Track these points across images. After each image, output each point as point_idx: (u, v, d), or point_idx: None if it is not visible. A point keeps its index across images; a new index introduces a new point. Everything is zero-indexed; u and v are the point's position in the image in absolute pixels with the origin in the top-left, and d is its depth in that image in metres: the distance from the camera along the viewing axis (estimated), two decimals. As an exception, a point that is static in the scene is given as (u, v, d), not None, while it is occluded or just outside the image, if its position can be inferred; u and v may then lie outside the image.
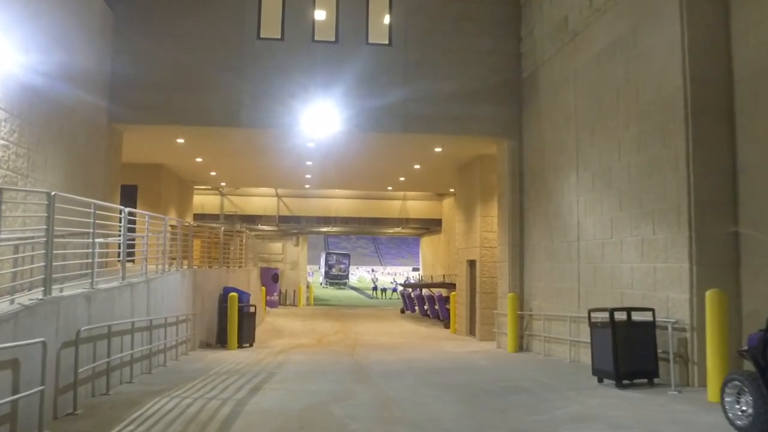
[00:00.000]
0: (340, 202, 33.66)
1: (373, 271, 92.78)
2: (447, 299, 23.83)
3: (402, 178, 24.14)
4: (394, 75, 16.21)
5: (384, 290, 53.39)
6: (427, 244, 38.60)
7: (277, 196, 33.20)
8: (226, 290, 17.18)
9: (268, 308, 31.69)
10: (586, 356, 12.82)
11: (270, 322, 25.27)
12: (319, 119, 15.89)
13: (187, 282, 15.26)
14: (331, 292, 59.58)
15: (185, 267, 16.04)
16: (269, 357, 14.67)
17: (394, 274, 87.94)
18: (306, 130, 16.37)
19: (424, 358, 14.69)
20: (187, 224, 16.79)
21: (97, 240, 9.55)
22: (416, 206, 34.12)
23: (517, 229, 16.37)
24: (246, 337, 16.85)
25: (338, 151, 18.93)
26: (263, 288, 27.81)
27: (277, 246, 38.57)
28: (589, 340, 12.35)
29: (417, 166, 21.30)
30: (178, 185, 24.39)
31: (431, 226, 34.50)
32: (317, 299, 44.82)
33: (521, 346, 15.81)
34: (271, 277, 34.86)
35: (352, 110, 15.88)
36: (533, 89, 15.97)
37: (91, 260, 9.36)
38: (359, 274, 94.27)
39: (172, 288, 13.85)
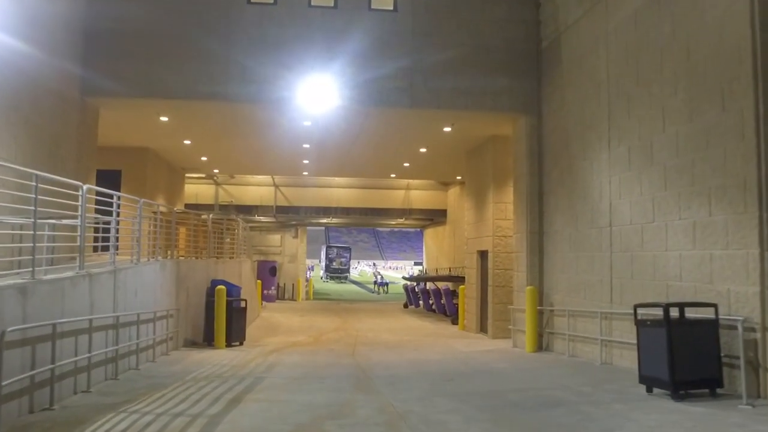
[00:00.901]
0: (341, 192, 31.89)
1: (374, 265, 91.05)
2: (454, 293, 22.10)
3: (406, 164, 22.36)
4: (400, 45, 14.44)
5: (385, 284, 51.55)
6: (431, 236, 36.84)
7: (275, 185, 31.43)
8: (214, 283, 15.44)
9: (265, 303, 29.97)
10: (620, 358, 11.10)
11: (266, 317, 23.54)
12: (317, 93, 14.14)
13: (168, 274, 13.53)
14: (332, 286, 57.83)
15: (167, 257, 14.32)
16: (259, 358, 12.93)
17: (396, 268, 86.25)
18: (302, 106, 14.62)
19: (434, 360, 12.95)
20: (168, 210, 15.02)
21: (43, 221, 7.82)
22: (420, 196, 32.34)
23: (535, 215, 14.61)
24: (235, 335, 15.12)
25: (338, 132, 17.16)
26: (259, 282, 26.07)
27: (275, 238, 36.82)
28: (624, 340, 10.75)
29: (423, 150, 19.53)
30: (168, 172, 22.62)
31: (436, 217, 32.71)
32: (317, 293, 43.10)
33: (541, 345, 14.08)
34: (268, 271, 33.16)
35: (353, 84, 14.12)
36: (554, 59, 14.18)
37: (51, 246, 7.63)
38: (360, 268, 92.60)
39: (149, 280, 12.12)
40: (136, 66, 13.67)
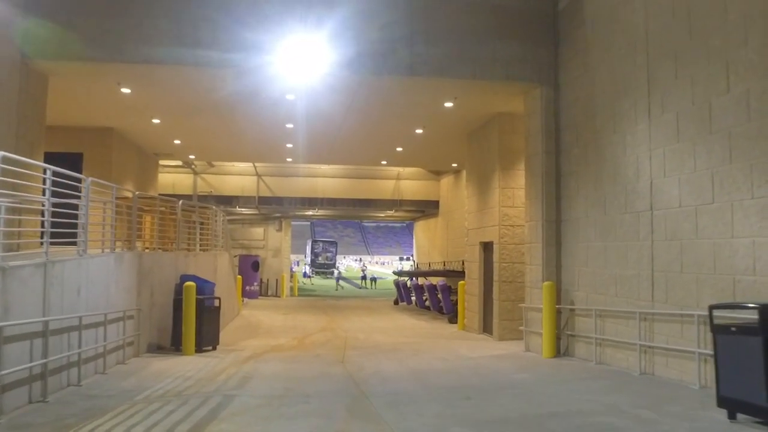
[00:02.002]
0: (327, 182, 29.75)
1: (360, 260, 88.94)
2: (451, 289, 20.08)
3: (399, 149, 20.29)
4: (398, 3, 12.37)
5: (374, 279, 49.40)
6: (422, 228, 34.80)
7: (257, 174, 29.24)
8: (184, 279, 13.30)
9: (246, 300, 27.85)
10: (664, 368, 9.16)
11: (246, 316, 21.41)
12: (301, 59, 12.03)
13: (127, 268, 11.40)
14: (318, 282, 55.71)
15: (128, 249, 12.17)
16: (233, 367, 10.83)
17: (382, 263, 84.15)
18: (284, 75, 12.53)
19: (438, 368, 10.91)
20: (128, 194, 12.85)
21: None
22: (411, 186, 30.29)
23: (552, 200, 12.62)
24: (207, 339, 13.00)
25: (325, 108, 15.03)
26: (239, 277, 23.91)
27: (257, 231, 34.60)
28: (670, 346, 8.75)
29: (419, 131, 17.45)
30: (138, 157, 20.38)
31: (427, 208, 30.68)
32: (302, 289, 41.00)
33: (559, 349, 12.10)
34: (250, 266, 31.02)
35: (343, 48, 12.01)
36: (575, 21, 12.18)
37: None
38: (346, 263, 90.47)
39: (99, 276, 9.98)
40: (89, 22, 11.46)
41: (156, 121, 16.62)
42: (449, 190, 28.40)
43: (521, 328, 13.39)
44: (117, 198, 13.04)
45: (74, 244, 9.60)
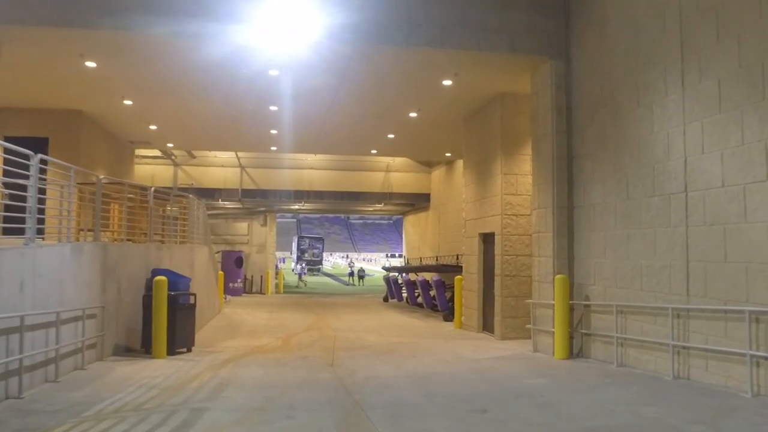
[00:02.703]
0: (314, 174, 28.34)
1: (347, 256, 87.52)
2: (445, 285, 18.78)
3: (391, 135, 18.93)
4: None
5: (362, 276, 47.88)
6: (412, 223, 33.47)
7: (240, 166, 27.78)
8: (155, 273, 11.90)
9: (229, 297, 26.41)
10: (703, 372, 7.93)
11: (228, 314, 19.99)
12: (285, 27, 10.66)
13: (88, 261, 9.99)
14: (304, 278, 54.18)
15: (91, 240, 10.77)
16: (208, 372, 9.45)
17: (369, 260, 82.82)
18: (266, 46, 11.16)
19: (441, 373, 9.59)
20: (92, 179, 11.41)
21: None
22: (401, 178, 28.96)
23: (564, 185, 11.35)
24: (181, 340, 11.60)
25: (312, 86, 13.67)
26: (221, 273, 22.46)
27: (241, 226, 33.12)
28: (712, 347, 7.51)
29: (413, 114, 16.10)
30: (111, 144, 18.88)
31: (418, 201, 29.37)
32: (288, 286, 39.57)
33: (572, 349, 10.83)
34: (234, 261, 29.59)
35: (333, 15, 10.64)
36: (590, -15, 10.93)
37: None
38: (333, 261, 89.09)
39: (49, 269, 8.58)
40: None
41: (128, 102, 15.14)
42: (441, 182, 27.11)
43: (528, 326, 12.11)
44: (80, 183, 11.70)
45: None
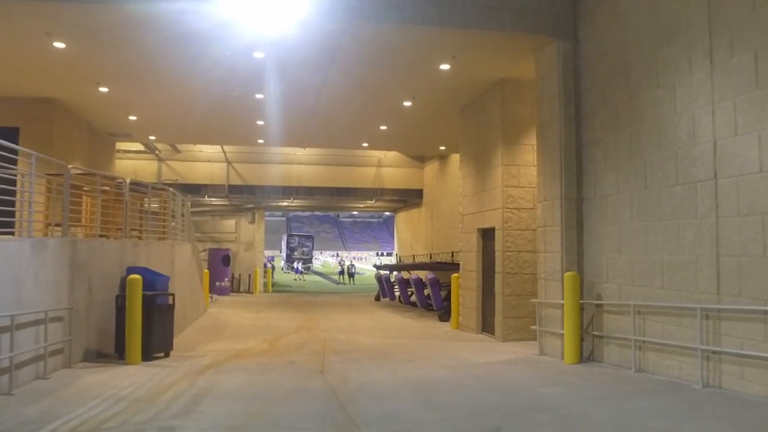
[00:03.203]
0: (303, 169, 27.34)
1: (337, 255, 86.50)
2: (441, 283, 17.86)
3: (384, 127, 17.99)
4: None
5: (352, 274, 46.65)
6: (403, 220, 32.55)
7: (227, 161, 26.74)
8: (130, 272, 10.91)
9: (216, 296, 25.40)
10: (739, 380, 7.07)
11: (213, 314, 19.00)
12: (270, 2, 9.73)
13: (52, 258, 9.00)
14: (293, 278, 53.15)
15: (58, 235, 9.77)
16: (184, 381, 8.49)
17: (359, 258, 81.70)
18: (250, 25, 10.21)
19: (442, 379, 8.68)
20: (59, 168, 10.38)
21: None
22: (393, 174, 28.04)
23: (572, 175, 10.46)
24: (158, 343, 10.63)
25: (300, 71, 12.72)
26: (206, 272, 21.45)
27: (229, 224, 32.05)
28: (749, 352, 6.64)
29: (408, 103, 15.18)
30: (89, 136, 17.83)
31: (410, 197, 28.45)
32: (277, 285, 38.52)
33: (582, 353, 9.94)
34: (221, 260, 28.54)
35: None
36: (601, -41, 10.04)
37: None
38: (323, 259, 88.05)
39: (2, 267, 7.58)
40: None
41: (103, 89, 14.11)
42: (434, 177, 26.22)
43: (533, 327, 11.23)
44: (49, 174, 10.71)
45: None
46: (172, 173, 26.53)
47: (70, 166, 10.39)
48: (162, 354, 10.73)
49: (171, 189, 14.33)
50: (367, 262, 78.69)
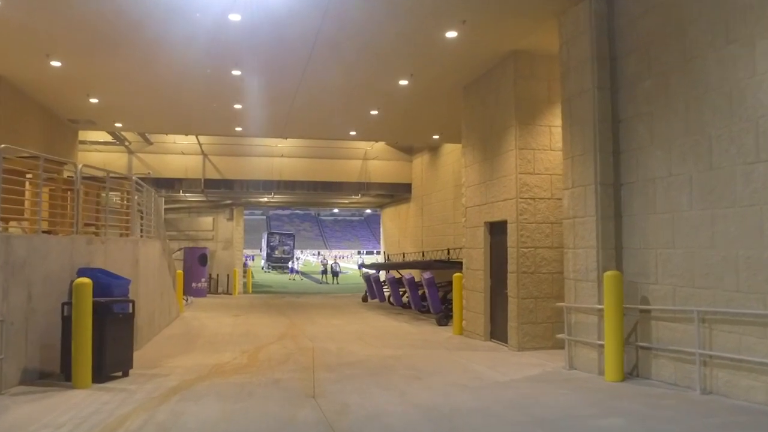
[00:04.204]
0: (284, 162, 25.43)
1: (319, 253, 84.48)
2: (434, 284, 16.10)
3: (375, 112, 16.17)
4: None
5: (336, 273, 44.59)
6: (390, 216, 30.76)
7: (203, 153, 24.73)
8: (82, 274, 9.01)
9: (191, 298, 23.43)
10: None
11: (187, 319, 17.08)
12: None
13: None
14: (274, 277, 51.10)
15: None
16: (140, 413, 6.62)
17: (340, 257, 79.66)
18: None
19: (465, 406, 6.91)
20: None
21: None
22: (380, 167, 26.23)
23: (608, 155, 8.76)
24: (114, 360, 8.73)
25: (282, 40, 10.88)
26: (179, 272, 19.48)
27: (206, 221, 30.05)
28: None
29: (404, 82, 13.38)
30: (45, 121, 15.80)
31: (398, 192, 26.67)
32: (257, 285, 36.55)
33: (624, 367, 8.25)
34: (197, 259, 26.58)
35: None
36: None
37: None
38: (304, 258, 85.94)
39: None
40: None
41: (55, 63, 12.12)
42: (424, 170, 24.48)
43: (560, 336, 9.52)
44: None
45: None
46: (143, 167, 24.43)
47: (2, 145, 8.44)
48: (119, 373, 8.84)
49: (135, 178, 12.35)
50: (348, 261, 76.78)
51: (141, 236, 12.94)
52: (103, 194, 11.13)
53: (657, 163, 8.02)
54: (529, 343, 10.90)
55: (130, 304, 9.22)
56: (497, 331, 12.04)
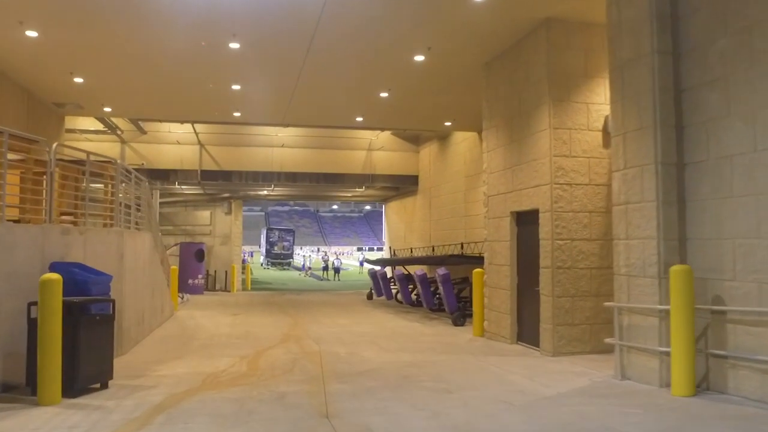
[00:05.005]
0: (285, 153, 24.03)
1: (318, 249, 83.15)
2: (450, 280, 14.76)
3: (384, 94, 14.79)
4: None
5: (337, 270, 43.16)
6: (394, 210, 29.37)
7: (199, 143, 23.33)
8: (56, 269, 7.67)
9: (187, 296, 22.15)
10: None
11: (182, 318, 15.76)
12: None
13: None
14: (273, 274, 49.78)
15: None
16: (113, 442, 5.30)
17: (340, 253, 78.34)
18: None
19: (517, 429, 5.59)
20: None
21: None
22: (385, 158, 24.84)
23: (670, 130, 7.43)
24: (91, 370, 7.40)
25: (286, 6, 9.52)
26: (174, 269, 18.11)
27: (203, 215, 28.67)
28: None
29: (420, 58, 11.99)
30: (26, 104, 14.43)
31: (404, 184, 25.28)
32: (257, 282, 35.25)
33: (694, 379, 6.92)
34: (194, 255, 25.25)
35: None
36: None
37: None
38: (303, 254, 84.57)
39: None
40: None
41: (31, 33, 10.73)
42: (432, 161, 23.12)
43: (608, 340, 8.19)
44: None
45: None
46: (137, 157, 23.04)
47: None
48: (97, 385, 7.50)
49: (118, 161, 10.94)
50: (348, 258, 75.40)
51: (129, 228, 11.58)
52: (83, 179, 9.76)
53: (736, 138, 6.68)
54: (565, 348, 9.58)
55: (111, 304, 7.86)
56: (525, 333, 10.72)
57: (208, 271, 27.07)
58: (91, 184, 11.30)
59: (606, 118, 9.95)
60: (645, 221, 7.52)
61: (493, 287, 11.73)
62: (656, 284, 7.28)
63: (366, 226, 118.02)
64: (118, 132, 22.10)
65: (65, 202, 9.63)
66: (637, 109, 7.69)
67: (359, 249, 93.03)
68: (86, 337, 7.29)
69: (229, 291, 26.98)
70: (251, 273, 32.87)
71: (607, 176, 9.89)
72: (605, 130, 9.99)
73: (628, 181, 7.86)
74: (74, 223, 9.56)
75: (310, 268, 49.83)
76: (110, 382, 7.63)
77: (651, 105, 7.46)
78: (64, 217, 9.41)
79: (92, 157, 9.77)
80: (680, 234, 7.34)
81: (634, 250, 7.71)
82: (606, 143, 9.93)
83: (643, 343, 7.49)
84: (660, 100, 7.41)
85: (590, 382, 7.69)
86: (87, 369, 7.26)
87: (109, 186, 10.72)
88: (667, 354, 7.03)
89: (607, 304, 8.35)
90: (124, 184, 12.08)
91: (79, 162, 9.97)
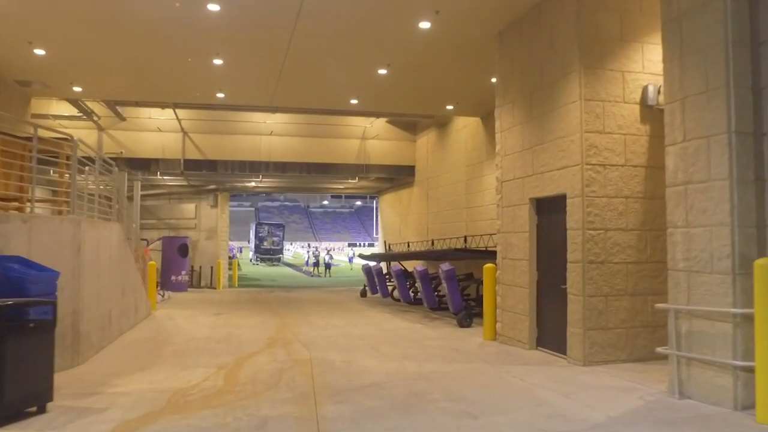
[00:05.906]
0: (274, 141, 22.44)
1: (309, 245, 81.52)
2: (455, 277, 13.29)
3: (383, 71, 13.27)
4: None
5: (328, 266, 41.56)
6: (389, 203, 27.84)
7: (182, 130, 21.71)
8: (-14, 264, 6.13)
9: (168, 293, 20.58)
10: None
11: (159, 319, 14.20)
12: None
13: None
14: (262, 270, 48.15)
15: None
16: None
17: (330, 249, 76.89)
18: None
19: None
20: None
21: None
22: (380, 147, 23.32)
23: (746, 93, 5.97)
24: (24, 390, 5.84)
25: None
26: (152, 264, 16.50)
27: (188, 208, 27.00)
28: None
29: (425, 25, 10.49)
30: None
31: (400, 175, 23.77)
32: (245, 279, 33.66)
33: None
34: (177, 250, 23.60)
35: None
36: None
37: None
38: (294, 250, 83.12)
39: None
40: None
41: (-25, -9, 9.15)
42: (430, 150, 21.63)
43: (660, 349, 6.74)
44: None
45: None
46: (116, 145, 21.41)
47: None
48: (33, 407, 5.96)
49: (75, 138, 9.33)
50: (339, 253, 73.87)
51: (93, 217, 10.01)
52: (30, 155, 8.17)
53: (839, 97, 5.24)
54: (597, 355, 8.14)
55: (52, 307, 6.31)
56: (547, 338, 9.27)
57: (192, 266, 25.47)
58: (46, 166, 9.76)
59: (644, 88, 8.51)
60: (713, 204, 6.06)
61: (508, 285, 10.27)
62: (729, 282, 5.84)
63: (357, 221, 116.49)
64: (95, 118, 20.41)
65: (10, 184, 8.06)
66: (703, 69, 6.23)
67: (350, 245, 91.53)
68: (18, 349, 5.75)
69: (215, 288, 25.39)
70: (239, 269, 31.29)
71: (646, 156, 8.45)
72: (643, 103, 8.55)
73: (688, 156, 6.40)
74: (19, 210, 7.99)
75: (316, 264, 44.27)
76: (50, 405, 6.10)
77: (723, 62, 6.00)
78: (4, 203, 7.84)
79: (47, 135, 8.21)
80: (758, 220, 5.89)
81: (697, 240, 6.25)
82: (644, 118, 8.48)
83: (711, 354, 6.04)
84: (734, 56, 5.95)
85: (642, 401, 6.24)
86: (16, 390, 5.71)
87: (65, 167, 9.13)
88: (745, 369, 5.60)
89: (659, 305, 6.89)
90: (87, 167, 10.52)
91: (28, 139, 8.40)
